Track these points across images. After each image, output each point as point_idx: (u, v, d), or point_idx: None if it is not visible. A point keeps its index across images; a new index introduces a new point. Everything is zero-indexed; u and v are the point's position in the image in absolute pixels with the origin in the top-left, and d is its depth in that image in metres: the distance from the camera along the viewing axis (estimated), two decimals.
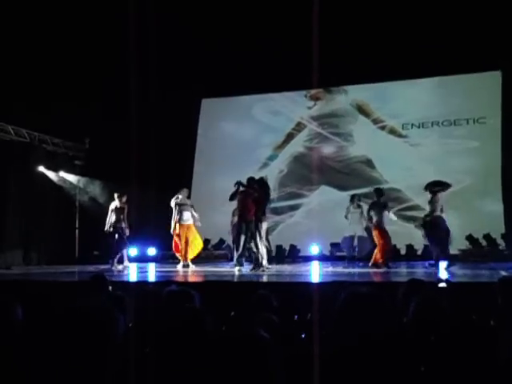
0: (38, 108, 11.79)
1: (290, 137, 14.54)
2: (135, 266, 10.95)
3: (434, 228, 9.34)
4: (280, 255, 12.97)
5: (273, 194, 12.80)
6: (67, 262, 12.31)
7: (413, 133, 13.51)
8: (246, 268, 9.28)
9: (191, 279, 8.66)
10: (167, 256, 12.53)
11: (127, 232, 10.38)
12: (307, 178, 13.89)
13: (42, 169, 12.85)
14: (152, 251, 13.01)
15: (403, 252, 12.21)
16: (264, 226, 9.17)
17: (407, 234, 12.13)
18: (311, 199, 13.71)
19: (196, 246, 10.72)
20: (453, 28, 11.59)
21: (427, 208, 9.74)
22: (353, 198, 11.34)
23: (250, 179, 9.33)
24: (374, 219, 9.66)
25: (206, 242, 13.45)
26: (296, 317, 3.86)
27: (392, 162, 13.29)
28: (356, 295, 2.28)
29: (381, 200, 9.85)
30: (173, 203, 10.46)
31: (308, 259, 12.31)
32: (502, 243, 11.79)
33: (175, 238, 10.52)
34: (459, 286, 6.33)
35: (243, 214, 9.18)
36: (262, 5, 11.94)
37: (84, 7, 11.52)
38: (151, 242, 12.74)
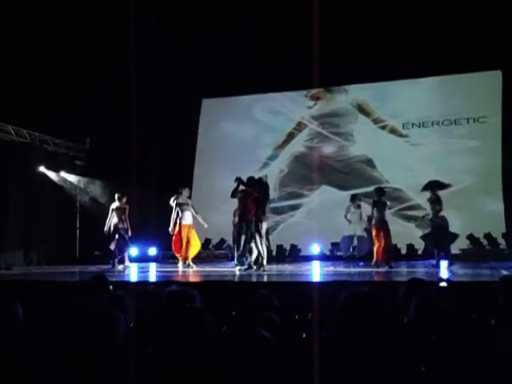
0: (38, 108, 11.79)
1: (290, 136, 14.54)
2: (136, 266, 10.96)
3: (442, 228, 9.39)
4: (281, 255, 12.98)
5: (273, 194, 12.84)
6: (68, 262, 12.32)
7: (413, 132, 13.51)
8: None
9: (192, 279, 8.66)
10: (168, 256, 12.53)
11: (129, 233, 10.39)
12: (308, 177, 13.90)
13: (42, 169, 12.86)
14: (153, 251, 13.03)
15: (404, 251, 12.21)
16: (264, 225, 9.16)
17: (408, 234, 12.13)
18: (312, 199, 13.72)
19: (195, 247, 10.72)
20: (453, 27, 11.59)
21: (427, 208, 9.76)
22: (353, 198, 11.37)
23: (250, 179, 9.32)
24: (376, 218, 9.65)
25: (207, 241, 13.47)
26: (297, 316, 3.86)
27: (392, 162, 13.29)
28: (357, 295, 2.28)
29: (382, 199, 9.85)
30: (173, 202, 10.46)
31: (309, 259, 12.31)
32: (502, 242, 11.80)
33: (175, 238, 10.52)
34: (460, 285, 6.33)
35: (244, 214, 9.17)
36: (262, 5, 11.94)
37: (84, 7, 11.52)
38: (152, 242, 12.76)
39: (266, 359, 1.60)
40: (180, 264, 10.45)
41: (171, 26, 11.66)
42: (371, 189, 10.91)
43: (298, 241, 13.18)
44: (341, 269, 9.89)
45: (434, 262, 9.54)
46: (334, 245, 12.67)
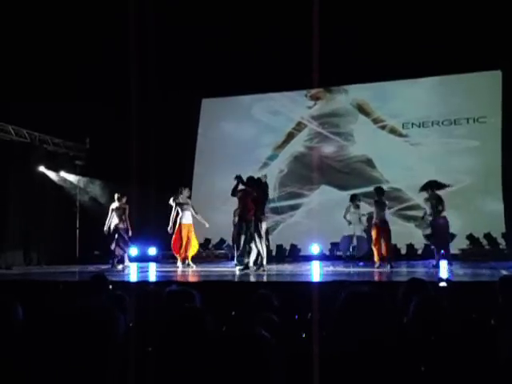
0: (38, 108, 11.79)
1: (290, 136, 14.53)
2: (136, 266, 10.96)
3: (444, 228, 9.40)
4: (280, 255, 12.99)
5: (273, 194, 12.86)
6: (68, 261, 12.32)
7: (413, 132, 13.51)
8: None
9: (192, 279, 8.66)
10: (168, 256, 12.53)
11: (129, 233, 10.39)
12: (307, 177, 13.89)
13: (42, 169, 12.86)
14: (152, 251, 13.02)
15: (404, 251, 12.21)
16: (264, 225, 9.16)
17: (407, 234, 12.13)
18: (311, 199, 13.71)
19: (194, 247, 10.73)
20: (453, 27, 11.59)
21: (427, 208, 9.74)
22: (352, 198, 11.37)
23: (249, 179, 9.33)
24: (377, 218, 9.62)
25: (207, 241, 13.47)
26: (296, 316, 3.86)
27: (392, 162, 13.29)
28: (356, 295, 2.28)
29: (382, 199, 9.83)
30: (173, 202, 10.46)
31: (308, 259, 12.31)
32: (502, 242, 11.80)
33: (175, 237, 10.52)
34: (460, 285, 6.33)
35: (243, 214, 9.18)
36: (262, 4, 11.94)
37: (84, 7, 11.52)
38: (152, 241, 12.76)
39: (266, 359, 1.60)
40: (179, 264, 10.44)
41: (171, 25, 11.66)
42: (371, 189, 10.88)
43: (297, 241, 13.18)
44: (340, 269, 9.89)
45: (434, 262, 9.54)
46: (334, 245, 12.68)
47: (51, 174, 13.15)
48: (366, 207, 11.27)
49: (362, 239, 11.47)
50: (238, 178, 9.29)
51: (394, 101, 13.79)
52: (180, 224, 10.40)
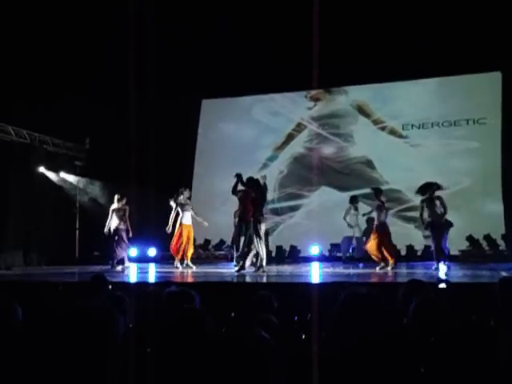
0: (38, 109, 11.80)
1: (290, 137, 14.54)
2: (135, 267, 10.95)
3: (445, 229, 9.38)
4: (280, 256, 12.99)
5: (273, 195, 12.86)
6: (67, 262, 12.32)
7: (413, 133, 13.52)
8: (248, 269, 9.27)
9: (191, 280, 8.65)
10: (167, 256, 12.52)
11: (130, 233, 10.38)
12: (307, 178, 13.90)
13: (42, 169, 12.87)
14: (152, 252, 13.02)
15: (403, 253, 12.20)
16: (263, 226, 9.15)
17: (407, 235, 12.13)
18: (311, 200, 13.72)
19: (191, 248, 10.73)
20: (453, 29, 11.60)
21: (425, 211, 9.67)
22: (352, 200, 11.35)
23: (249, 179, 9.32)
24: (381, 221, 9.54)
25: (207, 242, 13.47)
26: (296, 317, 3.86)
27: (392, 163, 13.29)
28: (356, 296, 2.28)
29: (381, 199, 9.77)
30: (173, 203, 10.45)
31: (308, 260, 12.32)
32: (502, 244, 11.81)
33: (175, 238, 10.50)
34: (459, 286, 6.33)
35: (243, 215, 9.18)
36: (262, 5, 11.95)
37: (84, 8, 11.53)
38: (151, 242, 12.76)
39: (266, 360, 1.60)
40: (178, 265, 10.43)
41: (171, 26, 11.67)
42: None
43: (297, 242, 13.18)
44: (340, 270, 9.88)
45: (434, 263, 9.50)
46: (334, 246, 12.68)
47: (51, 175, 13.16)
48: (366, 207, 11.25)
49: (362, 241, 11.47)
50: (238, 177, 9.29)
51: (394, 102, 13.80)
52: (181, 224, 10.39)
